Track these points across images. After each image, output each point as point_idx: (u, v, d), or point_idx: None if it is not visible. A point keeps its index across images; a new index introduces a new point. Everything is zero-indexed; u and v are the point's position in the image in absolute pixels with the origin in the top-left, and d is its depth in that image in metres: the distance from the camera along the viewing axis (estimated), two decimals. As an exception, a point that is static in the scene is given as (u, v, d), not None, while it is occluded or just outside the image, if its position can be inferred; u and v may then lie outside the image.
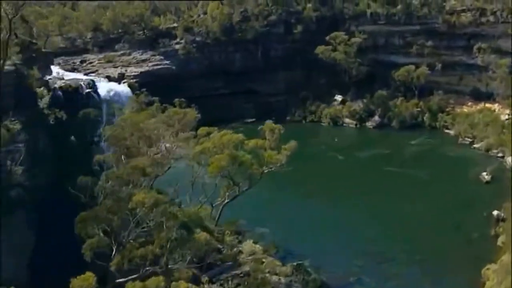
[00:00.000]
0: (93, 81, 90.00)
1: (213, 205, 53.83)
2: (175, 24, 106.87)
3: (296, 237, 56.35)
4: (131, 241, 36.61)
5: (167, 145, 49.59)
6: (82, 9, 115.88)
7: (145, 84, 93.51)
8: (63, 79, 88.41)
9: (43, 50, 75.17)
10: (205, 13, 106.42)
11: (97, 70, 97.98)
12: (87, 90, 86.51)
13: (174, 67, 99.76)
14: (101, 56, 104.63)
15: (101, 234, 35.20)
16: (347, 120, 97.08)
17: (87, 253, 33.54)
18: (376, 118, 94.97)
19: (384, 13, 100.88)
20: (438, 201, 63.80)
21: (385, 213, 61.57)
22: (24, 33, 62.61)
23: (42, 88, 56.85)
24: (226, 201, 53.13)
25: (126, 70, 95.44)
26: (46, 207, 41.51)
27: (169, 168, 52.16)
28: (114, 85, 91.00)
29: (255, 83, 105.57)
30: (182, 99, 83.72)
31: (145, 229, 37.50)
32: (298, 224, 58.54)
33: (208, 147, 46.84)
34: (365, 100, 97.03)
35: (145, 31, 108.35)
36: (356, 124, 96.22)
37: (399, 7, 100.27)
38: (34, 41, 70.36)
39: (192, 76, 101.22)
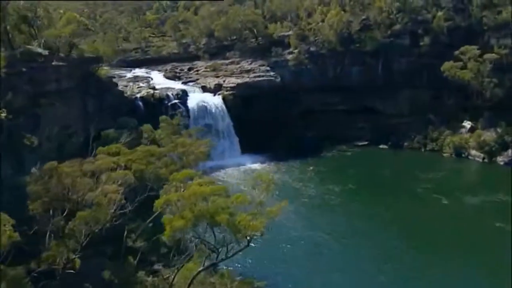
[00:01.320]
0: (185, 91, 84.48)
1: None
2: (290, 32, 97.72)
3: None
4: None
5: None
6: (201, 13, 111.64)
7: (244, 96, 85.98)
8: (154, 88, 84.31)
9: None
10: (323, 20, 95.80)
11: (197, 79, 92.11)
12: (174, 101, 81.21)
13: (278, 79, 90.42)
14: (209, 63, 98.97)
15: None
16: (473, 152, 79.61)
17: None
18: (510, 152, 76.89)
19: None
20: None
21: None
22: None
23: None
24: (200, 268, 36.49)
25: (224, 81, 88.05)
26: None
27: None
28: (207, 97, 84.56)
29: (373, 100, 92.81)
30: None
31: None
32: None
33: (173, 200, 33.61)
34: (499, 130, 78.96)
35: (258, 38, 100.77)
36: (483, 158, 78.32)
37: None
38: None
39: (302, 89, 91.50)
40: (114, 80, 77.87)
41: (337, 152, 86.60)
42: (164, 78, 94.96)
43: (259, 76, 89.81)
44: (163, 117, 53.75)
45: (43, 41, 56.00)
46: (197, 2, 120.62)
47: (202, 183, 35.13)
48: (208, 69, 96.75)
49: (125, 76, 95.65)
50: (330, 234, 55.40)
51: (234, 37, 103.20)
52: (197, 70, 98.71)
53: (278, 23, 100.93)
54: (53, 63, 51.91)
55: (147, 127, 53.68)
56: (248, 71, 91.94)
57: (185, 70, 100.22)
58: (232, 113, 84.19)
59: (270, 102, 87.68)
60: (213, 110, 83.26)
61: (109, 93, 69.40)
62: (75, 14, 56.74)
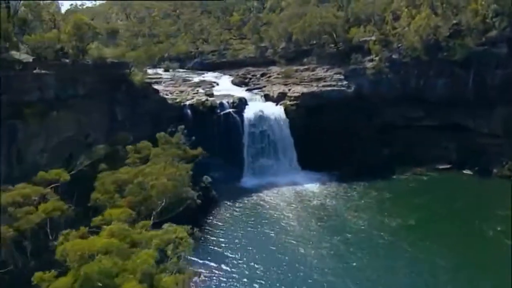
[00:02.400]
0: (244, 99, 78.01)
1: None
2: (372, 37, 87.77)
3: None
4: None
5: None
6: (281, 15, 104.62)
7: (308, 107, 77.94)
8: (211, 94, 78.74)
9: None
10: (410, 24, 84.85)
11: (264, 86, 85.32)
12: (228, 110, 74.94)
13: (351, 89, 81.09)
14: (282, 70, 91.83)
15: None
16: None
17: None
18: None
19: None
20: None
21: None
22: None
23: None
24: None
25: (289, 89, 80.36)
26: None
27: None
28: (267, 106, 77.48)
29: (462, 117, 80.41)
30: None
31: None
32: None
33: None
34: None
35: (338, 43, 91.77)
36: None
37: None
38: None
39: (380, 100, 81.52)
40: (163, 85, 73.45)
41: (411, 175, 75.56)
42: (231, 84, 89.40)
43: (328, 86, 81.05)
44: (161, 134, 47.56)
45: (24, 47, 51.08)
46: (283, 3, 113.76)
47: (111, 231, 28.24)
48: (280, 76, 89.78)
49: (190, 80, 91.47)
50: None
51: (314, 42, 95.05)
52: (269, 76, 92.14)
53: (361, 26, 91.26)
54: (35, 71, 46.85)
55: (144, 144, 47.43)
56: (318, 79, 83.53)
57: (258, 75, 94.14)
58: (293, 125, 76.41)
59: (341, 114, 78.89)
60: (272, 121, 76.02)
61: (146, 100, 64.74)
62: (84, 17, 52.17)
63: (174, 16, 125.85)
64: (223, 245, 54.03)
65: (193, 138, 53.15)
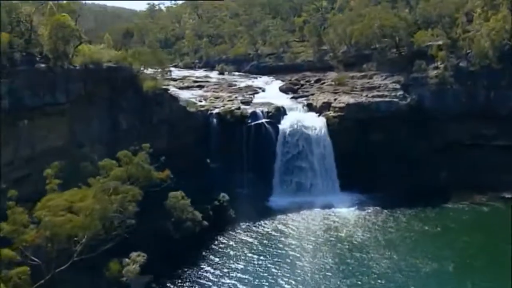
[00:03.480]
0: (282, 109, 70.48)
1: None
2: (439, 42, 76.93)
3: None
4: None
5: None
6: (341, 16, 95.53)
7: (354, 119, 69.03)
8: (246, 102, 72.15)
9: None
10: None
11: (312, 94, 77.24)
12: (261, 121, 67.81)
13: (406, 101, 71.19)
14: (337, 76, 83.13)
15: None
16: None
17: None
18: None
19: None
20: None
21: None
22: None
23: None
24: None
25: (335, 99, 71.71)
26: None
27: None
28: (308, 117, 69.51)
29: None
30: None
31: None
32: None
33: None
34: None
35: (400, 48, 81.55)
36: None
37: None
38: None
39: (443, 114, 71.00)
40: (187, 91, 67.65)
41: (469, 204, 64.39)
42: (278, 91, 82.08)
43: (380, 96, 71.49)
44: (122, 152, 41.14)
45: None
46: (352, 2, 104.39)
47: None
48: (333, 83, 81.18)
49: (236, 85, 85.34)
50: None
51: (376, 46, 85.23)
52: (323, 83, 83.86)
53: (429, 29, 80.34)
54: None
55: (106, 162, 41.04)
56: (371, 88, 74.15)
57: (312, 82, 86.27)
58: (335, 139, 67.82)
59: (392, 128, 69.38)
60: (310, 134, 67.86)
61: (160, 107, 59.14)
62: (66, 18, 46.69)
63: (241, 16, 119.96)
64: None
65: (163, 158, 46.09)
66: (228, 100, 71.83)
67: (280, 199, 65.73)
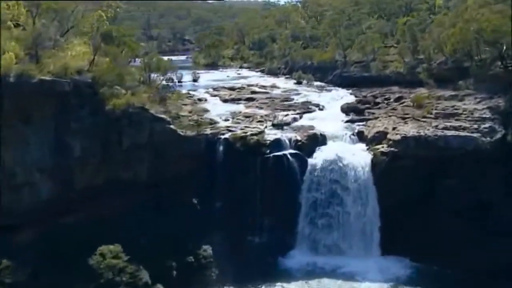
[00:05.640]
0: (320, 137, 54.15)
1: None
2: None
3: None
4: None
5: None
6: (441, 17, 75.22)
7: (413, 158, 50.48)
8: (278, 125, 57.12)
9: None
10: None
11: (376, 118, 59.64)
12: (283, 152, 52.25)
13: (491, 138, 50.62)
14: (417, 95, 64.31)
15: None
16: None
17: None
18: None
19: None
20: None
21: None
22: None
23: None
24: None
25: (394, 128, 53.60)
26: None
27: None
28: (351, 151, 52.84)
29: None
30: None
31: None
32: None
33: None
34: None
35: (508, 61, 60.46)
36: None
37: None
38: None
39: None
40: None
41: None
42: (339, 111, 65.37)
43: (456, 128, 51.77)
44: None
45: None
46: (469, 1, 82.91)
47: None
48: (412, 104, 62.69)
49: (291, 100, 70.51)
50: None
51: (477, 56, 64.73)
52: (402, 103, 65.52)
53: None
54: None
55: None
56: (451, 115, 54.64)
57: (391, 100, 68.27)
58: (381, 184, 50.06)
59: (467, 174, 49.85)
60: (348, 175, 50.80)
61: (135, 130, 46.73)
62: None
63: (342, 15, 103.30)
64: None
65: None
66: (258, 121, 57.23)
67: (302, 255, 50.14)
